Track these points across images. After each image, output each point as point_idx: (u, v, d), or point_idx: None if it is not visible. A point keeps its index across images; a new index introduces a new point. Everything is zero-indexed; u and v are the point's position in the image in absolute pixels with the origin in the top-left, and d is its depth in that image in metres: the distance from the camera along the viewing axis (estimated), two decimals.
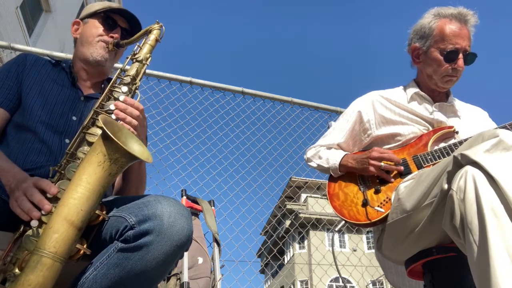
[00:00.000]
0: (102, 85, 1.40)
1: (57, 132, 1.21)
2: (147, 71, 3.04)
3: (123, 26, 1.38)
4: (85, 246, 0.93)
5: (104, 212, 0.96)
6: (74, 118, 1.25)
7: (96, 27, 1.36)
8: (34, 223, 0.91)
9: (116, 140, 0.90)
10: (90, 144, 1.06)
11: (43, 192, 0.95)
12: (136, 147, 0.99)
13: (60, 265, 0.86)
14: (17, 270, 0.87)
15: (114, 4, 1.39)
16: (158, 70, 3.07)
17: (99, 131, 1.06)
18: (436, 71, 1.58)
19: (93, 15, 1.38)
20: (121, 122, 1.08)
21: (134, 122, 1.10)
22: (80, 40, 1.38)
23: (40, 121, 1.20)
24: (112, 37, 1.34)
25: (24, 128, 1.19)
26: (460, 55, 1.54)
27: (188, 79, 3.13)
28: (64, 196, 0.91)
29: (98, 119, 1.09)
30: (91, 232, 0.97)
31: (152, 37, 1.26)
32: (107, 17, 1.37)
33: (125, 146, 0.91)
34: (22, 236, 0.92)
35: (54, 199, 0.96)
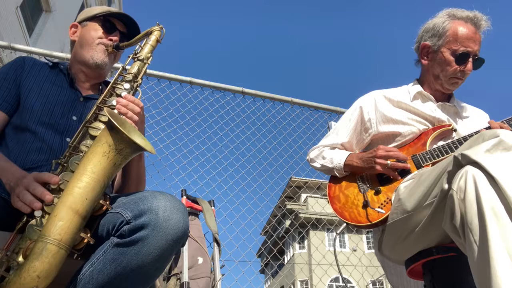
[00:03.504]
0: (100, 87, 1.41)
1: (58, 131, 1.22)
2: (148, 71, 3.06)
3: (121, 30, 1.40)
4: (88, 235, 0.93)
5: (107, 202, 0.97)
6: (74, 118, 1.26)
7: (95, 30, 1.37)
8: (38, 213, 0.92)
9: (122, 130, 0.91)
10: (93, 137, 1.08)
11: (45, 185, 0.96)
12: (138, 140, 1.01)
13: (65, 253, 0.87)
14: (20, 259, 0.87)
15: (113, 9, 1.41)
16: (158, 70, 3.07)
17: (102, 126, 1.09)
18: (445, 71, 1.57)
19: (92, 18, 1.39)
20: (123, 117, 1.10)
21: (135, 117, 1.13)
22: (79, 42, 1.39)
23: (40, 122, 1.20)
24: (111, 40, 1.36)
25: (23, 128, 1.20)
26: (470, 59, 1.54)
27: (188, 79, 3.13)
28: (69, 185, 0.92)
29: (100, 114, 1.12)
30: (94, 222, 0.98)
31: (153, 37, 1.28)
32: (106, 21, 1.38)
33: (130, 136, 0.93)
34: (25, 228, 0.92)
35: (57, 190, 0.97)
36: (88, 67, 1.36)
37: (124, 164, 0.98)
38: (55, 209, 0.89)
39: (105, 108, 1.02)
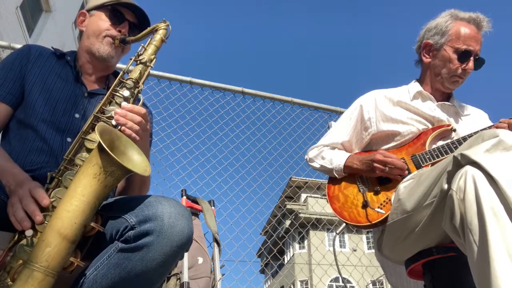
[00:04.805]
0: (107, 80, 1.37)
1: (59, 130, 1.19)
2: None
3: (130, 20, 1.34)
4: (79, 259, 0.91)
5: (99, 224, 0.95)
6: (77, 115, 1.23)
7: (103, 20, 1.32)
8: (29, 232, 0.90)
9: (112, 154, 0.88)
10: (89, 150, 1.04)
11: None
12: (135, 157, 0.98)
13: (52, 279, 0.85)
14: (9, 281, 0.86)
15: None
16: (158, 70, 3.07)
17: (98, 138, 1.04)
18: (446, 68, 1.58)
19: (100, 7, 1.34)
20: (123, 128, 1.06)
21: (136, 127, 1.07)
22: (86, 32, 1.35)
23: (42, 119, 1.18)
24: (119, 31, 1.31)
25: (26, 125, 1.18)
26: (472, 58, 1.55)
27: (188, 79, 3.12)
28: (58, 208, 0.89)
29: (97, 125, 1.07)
30: (86, 243, 0.96)
31: (158, 37, 1.22)
32: (115, 10, 1.33)
33: (121, 158, 0.90)
34: (17, 244, 0.91)
35: (51, 208, 0.95)
36: (94, 59, 1.32)
37: (117, 184, 0.95)
38: (43, 233, 0.87)
39: (97, 125, 0.96)
